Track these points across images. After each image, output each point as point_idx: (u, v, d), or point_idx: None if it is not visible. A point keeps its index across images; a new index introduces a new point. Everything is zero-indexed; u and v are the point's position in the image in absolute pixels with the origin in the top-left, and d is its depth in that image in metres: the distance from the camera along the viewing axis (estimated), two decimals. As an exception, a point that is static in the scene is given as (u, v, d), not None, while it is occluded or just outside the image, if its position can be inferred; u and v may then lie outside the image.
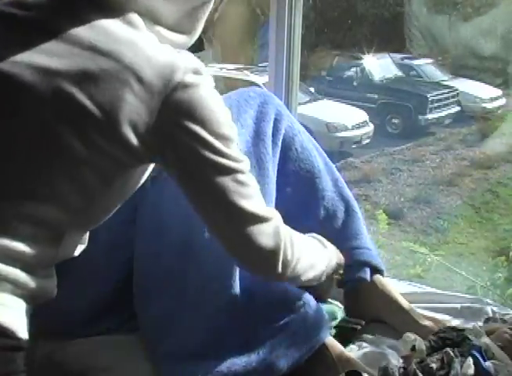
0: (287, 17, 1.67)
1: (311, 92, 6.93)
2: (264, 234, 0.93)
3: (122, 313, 1.21)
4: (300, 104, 1.89)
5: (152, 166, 0.96)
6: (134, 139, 0.81)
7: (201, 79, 0.85)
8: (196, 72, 0.84)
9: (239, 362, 1.04)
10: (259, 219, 0.92)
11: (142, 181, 0.95)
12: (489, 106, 6.78)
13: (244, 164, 0.91)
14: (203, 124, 0.84)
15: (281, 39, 1.69)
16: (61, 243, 0.86)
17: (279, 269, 0.96)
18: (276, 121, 1.26)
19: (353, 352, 1.17)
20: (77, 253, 0.94)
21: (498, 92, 6.76)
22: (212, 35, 6.84)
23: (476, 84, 6.97)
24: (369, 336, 1.23)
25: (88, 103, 0.79)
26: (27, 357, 0.84)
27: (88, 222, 0.91)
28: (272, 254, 0.94)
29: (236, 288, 1.10)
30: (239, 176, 0.89)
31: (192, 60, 0.85)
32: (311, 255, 1.05)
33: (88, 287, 1.19)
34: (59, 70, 0.79)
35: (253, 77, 6.46)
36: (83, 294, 1.18)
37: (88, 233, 0.95)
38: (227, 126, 0.88)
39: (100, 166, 0.83)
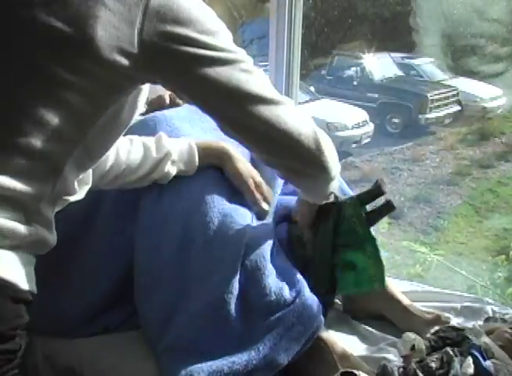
0: (287, 16, 1.67)
1: (311, 91, 6.93)
2: (291, 116, 0.92)
3: (122, 312, 1.21)
4: (300, 103, 1.89)
5: (145, 94, 0.95)
6: (118, 56, 0.80)
7: None
8: None
9: (239, 360, 1.04)
10: (279, 102, 0.91)
11: (137, 112, 0.94)
12: (489, 105, 6.77)
13: (242, 54, 0.90)
14: (186, 24, 0.83)
15: (281, 38, 1.70)
16: (60, 176, 0.85)
17: (325, 152, 0.96)
18: None
19: (353, 350, 1.17)
20: (80, 195, 0.94)
21: (498, 91, 6.75)
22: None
23: (476, 83, 6.96)
24: (369, 329, 1.24)
25: (62, 26, 0.78)
26: (28, 358, 0.84)
27: (86, 156, 0.89)
28: (311, 137, 0.94)
29: (236, 281, 1.10)
30: (241, 65, 0.88)
31: None
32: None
33: (88, 285, 1.19)
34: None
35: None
36: (83, 293, 1.19)
37: (91, 172, 0.95)
38: (211, 21, 0.87)
39: (89, 90, 0.81)
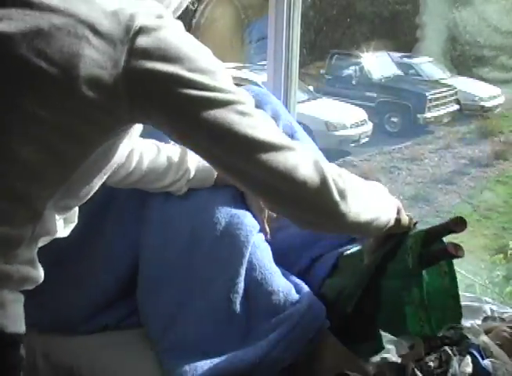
0: (286, 15, 1.67)
1: (310, 90, 6.92)
2: (295, 162, 0.83)
3: (122, 310, 1.21)
4: (299, 103, 1.89)
5: (139, 131, 0.89)
6: (102, 96, 0.75)
7: (166, 22, 0.79)
8: (160, 16, 0.79)
9: (243, 358, 1.05)
10: (281, 147, 0.82)
11: (126, 150, 0.89)
12: (488, 104, 6.77)
13: (241, 95, 0.82)
14: (176, 61, 0.77)
15: (280, 38, 1.69)
16: (40, 219, 0.81)
17: (338, 200, 0.85)
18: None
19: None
20: (65, 233, 0.90)
21: (497, 90, 6.76)
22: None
23: (475, 82, 6.96)
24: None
25: (43, 64, 0.74)
26: (27, 357, 0.84)
27: (69, 196, 0.84)
28: (318, 184, 0.84)
29: (241, 280, 1.11)
30: (238, 107, 0.80)
31: (154, 6, 0.80)
32: (366, 189, 0.94)
33: (89, 282, 1.20)
34: (11, 34, 0.74)
35: (252, 76, 6.45)
36: (83, 290, 1.19)
37: (77, 210, 0.90)
38: (205, 59, 0.80)
39: (73, 130, 0.77)
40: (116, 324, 1.21)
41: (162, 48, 0.77)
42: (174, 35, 0.79)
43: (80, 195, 0.86)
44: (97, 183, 0.88)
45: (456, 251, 1.02)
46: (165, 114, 0.80)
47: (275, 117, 1.28)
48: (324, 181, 0.85)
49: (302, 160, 0.85)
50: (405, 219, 1.04)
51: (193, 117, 0.79)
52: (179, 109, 0.79)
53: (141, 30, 0.76)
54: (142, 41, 0.76)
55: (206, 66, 0.79)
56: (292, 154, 0.84)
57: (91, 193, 0.88)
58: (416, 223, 1.06)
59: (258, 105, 1.26)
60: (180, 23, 0.82)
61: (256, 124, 0.82)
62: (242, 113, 0.81)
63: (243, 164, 0.83)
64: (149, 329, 1.16)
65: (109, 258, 1.21)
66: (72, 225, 0.91)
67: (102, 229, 1.21)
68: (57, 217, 0.85)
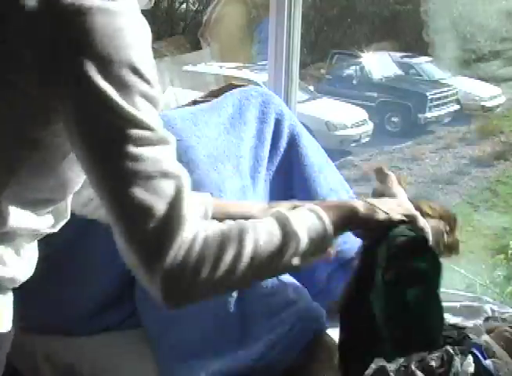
0: (287, 15, 1.67)
1: (310, 90, 6.93)
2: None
3: (122, 311, 1.21)
4: (299, 102, 1.89)
5: None
6: (23, 77, 0.68)
7: (110, 4, 0.66)
8: None
9: (240, 360, 1.04)
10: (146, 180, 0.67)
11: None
12: (488, 104, 6.78)
13: (155, 132, 0.68)
14: (98, 60, 0.65)
15: (280, 37, 1.69)
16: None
17: (170, 267, 0.70)
18: (278, 122, 1.27)
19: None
20: (55, 229, 0.85)
21: (497, 90, 6.76)
22: (210, 35, 6.90)
23: (475, 82, 6.97)
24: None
25: None
26: (27, 358, 0.83)
27: (32, 188, 0.77)
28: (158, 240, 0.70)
29: None
30: (130, 148, 0.67)
31: None
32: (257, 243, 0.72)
33: (90, 283, 1.20)
34: None
35: (252, 76, 6.45)
36: (84, 291, 1.19)
37: (68, 206, 0.85)
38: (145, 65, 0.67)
39: (7, 114, 0.71)
40: (117, 325, 1.21)
41: (84, 37, 0.65)
42: (108, 22, 0.66)
43: (50, 187, 0.78)
44: (74, 174, 0.79)
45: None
46: (66, 115, 0.70)
47: (280, 119, 1.27)
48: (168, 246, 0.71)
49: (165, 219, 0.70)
50: (383, 217, 0.87)
51: (79, 125, 0.69)
52: (78, 118, 0.69)
53: (67, 10, 0.66)
54: (68, 23, 0.66)
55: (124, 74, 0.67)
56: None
57: (74, 186, 0.81)
58: (405, 221, 0.87)
59: (265, 106, 1.27)
60: (133, 4, 0.69)
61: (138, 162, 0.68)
62: (134, 158, 0.67)
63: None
64: (147, 330, 1.16)
65: (110, 258, 1.21)
66: (62, 222, 0.86)
67: (103, 229, 1.21)
68: (28, 211, 0.78)
